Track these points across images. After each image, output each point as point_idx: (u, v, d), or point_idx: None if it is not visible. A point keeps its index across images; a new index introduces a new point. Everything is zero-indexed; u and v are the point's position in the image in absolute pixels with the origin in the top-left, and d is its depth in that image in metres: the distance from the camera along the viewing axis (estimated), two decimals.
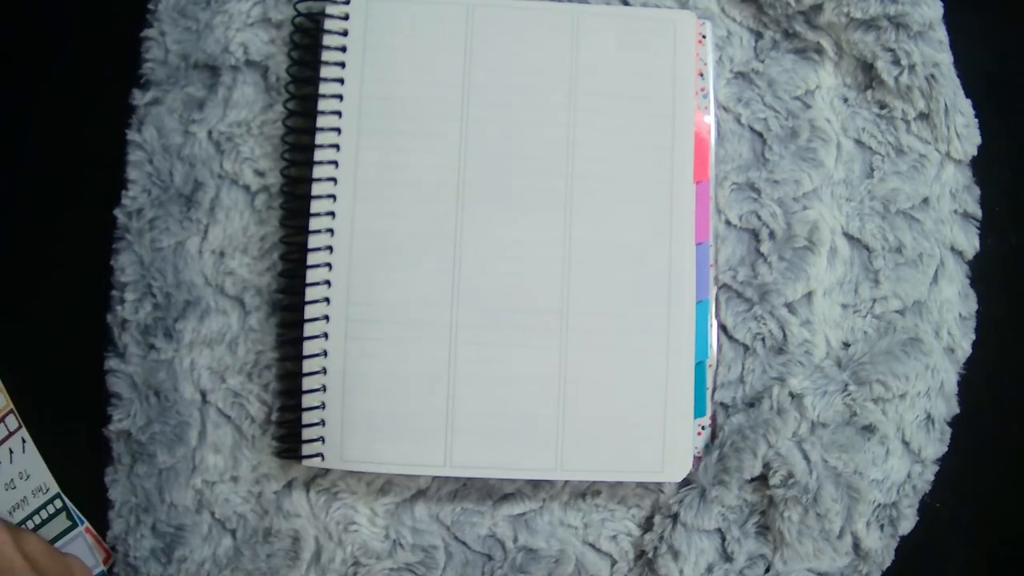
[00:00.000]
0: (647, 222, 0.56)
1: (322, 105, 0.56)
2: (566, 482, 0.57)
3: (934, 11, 0.57)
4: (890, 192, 0.58)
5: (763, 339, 0.57)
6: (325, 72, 0.56)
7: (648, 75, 0.57)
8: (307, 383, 0.55)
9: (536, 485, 0.57)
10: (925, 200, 0.58)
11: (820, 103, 0.59)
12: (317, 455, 0.55)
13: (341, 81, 0.56)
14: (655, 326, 0.56)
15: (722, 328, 0.58)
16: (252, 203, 0.57)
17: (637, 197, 0.56)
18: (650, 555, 0.56)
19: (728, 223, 0.58)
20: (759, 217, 0.58)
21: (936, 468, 0.57)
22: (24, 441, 0.56)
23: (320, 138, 0.56)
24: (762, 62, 0.59)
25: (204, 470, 0.56)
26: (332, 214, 0.55)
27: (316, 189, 0.55)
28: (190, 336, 0.56)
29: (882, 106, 0.59)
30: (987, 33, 0.60)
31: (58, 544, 0.56)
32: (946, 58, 0.57)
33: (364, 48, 0.56)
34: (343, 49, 0.56)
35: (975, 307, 0.59)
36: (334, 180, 0.55)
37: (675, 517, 0.56)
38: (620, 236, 0.56)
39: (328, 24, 0.56)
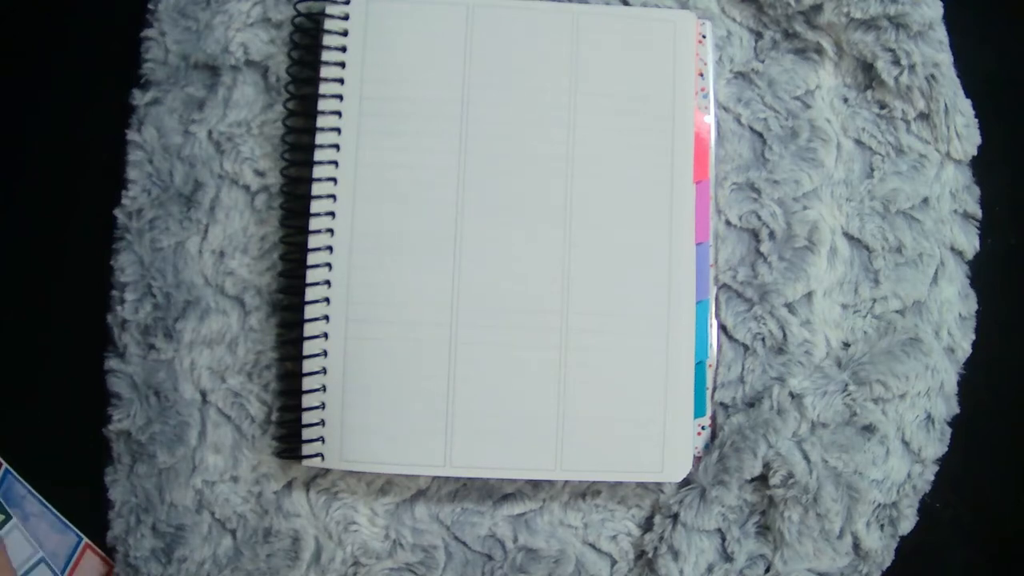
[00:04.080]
0: (647, 222, 0.56)
1: (322, 105, 0.56)
2: (566, 482, 0.57)
3: (934, 11, 0.57)
4: (890, 192, 0.58)
5: (763, 339, 0.57)
6: (325, 72, 0.56)
7: (648, 75, 0.57)
8: (307, 383, 0.55)
9: (536, 485, 0.57)
10: (925, 200, 0.58)
11: (820, 103, 0.59)
12: (317, 455, 0.55)
13: (341, 81, 0.56)
14: (655, 326, 0.56)
15: (722, 328, 0.58)
16: (252, 203, 0.57)
17: (637, 197, 0.56)
18: (650, 555, 0.56)
19: (728, 223, 0.58)
20: (759, 217, 0.58)
21: (936, 468, 0.57)
22: None
23: (320, 138, 0.56)
24: (762, 62, 0.59)
25: (204, 470, 0.56)
26: (332, 214, 0.55)
27: (316, 189, 0.55)
28: (190, 336, 0.56)
29: (882, 106, 0.59)
30: (987, 33, 0.60)
31: None
32: (946, 58, 0.57)
33: (364, 48, 0.56)
34: (343, 49, 0.56)
35: (975, 307, 0.59)
36: (334, 180, 0.55)
37: (675, 517, 0.56)
38: (620, 236, 0.56)
39: (328, 24, 0.56)
